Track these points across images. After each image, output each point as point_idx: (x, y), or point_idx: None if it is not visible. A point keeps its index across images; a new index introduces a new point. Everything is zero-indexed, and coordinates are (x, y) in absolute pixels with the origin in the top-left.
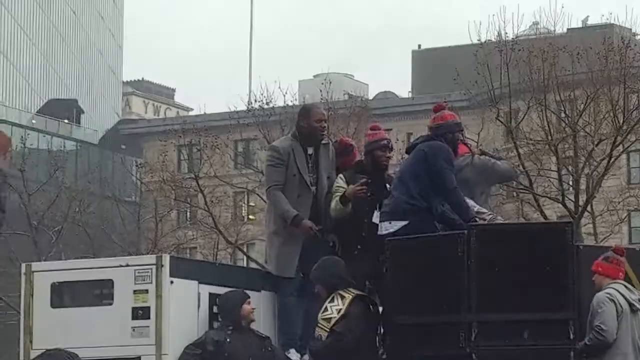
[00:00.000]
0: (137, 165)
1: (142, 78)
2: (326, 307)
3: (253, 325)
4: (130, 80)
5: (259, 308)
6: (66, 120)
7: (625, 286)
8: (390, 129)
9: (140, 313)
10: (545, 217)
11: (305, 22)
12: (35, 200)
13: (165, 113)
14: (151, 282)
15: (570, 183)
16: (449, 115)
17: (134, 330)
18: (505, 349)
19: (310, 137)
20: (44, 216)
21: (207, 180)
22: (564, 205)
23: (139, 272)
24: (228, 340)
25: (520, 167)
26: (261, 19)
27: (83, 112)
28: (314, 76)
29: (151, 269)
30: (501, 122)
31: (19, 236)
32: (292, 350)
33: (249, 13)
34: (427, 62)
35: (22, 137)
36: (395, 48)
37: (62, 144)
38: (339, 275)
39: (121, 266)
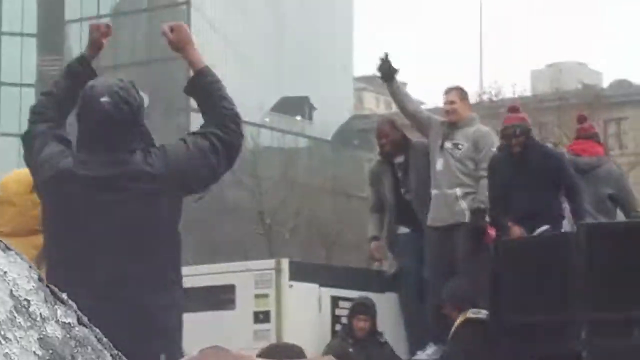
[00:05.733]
0: (369, 161)
1: (373, 74)
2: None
3: (381, 327)
4: (362, 77)
5: (383, 310)
6: (299, 117)
7: None
8: (627, 118)
9: (261, 317)
10: None
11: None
12: (267, 198)
13: None
14: (271, 287)
15: None
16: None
17: (255, 334)
18: (616, 347)
19: None
20: (276, 214)
21: None
22: None
23: (259, 277)
24: (350, 350)
25: None
26: (490, 6)
27: (315, 109)
28: (547, 66)
29: (271, 273)
30: None
31: (252, 234)
32: (419, 352)
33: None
34: None
35: (252, 134)
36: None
37: (295, 141)
38: (467, 297)
39: (242, 271)
